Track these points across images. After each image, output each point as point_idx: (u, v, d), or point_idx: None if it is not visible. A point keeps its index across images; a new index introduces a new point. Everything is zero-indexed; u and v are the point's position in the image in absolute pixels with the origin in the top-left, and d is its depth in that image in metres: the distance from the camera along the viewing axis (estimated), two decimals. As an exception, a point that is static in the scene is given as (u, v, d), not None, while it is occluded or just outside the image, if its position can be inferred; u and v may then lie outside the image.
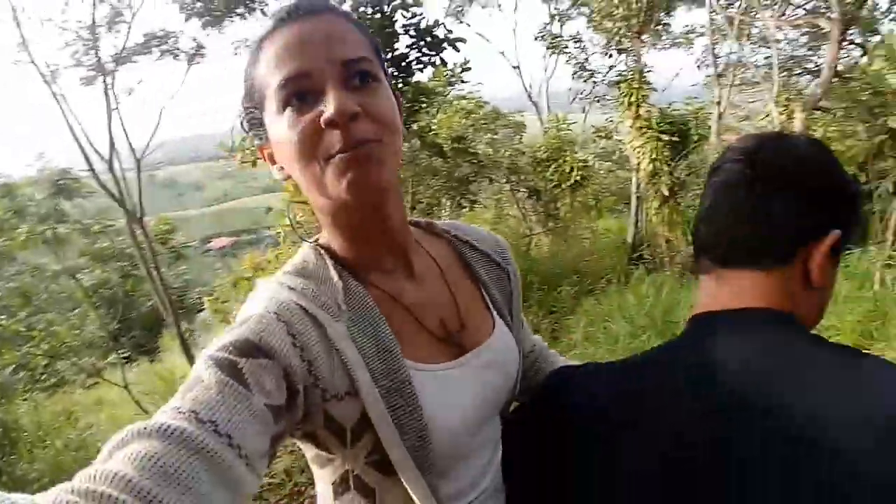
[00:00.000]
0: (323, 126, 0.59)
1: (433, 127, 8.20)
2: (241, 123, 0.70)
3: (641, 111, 7.62)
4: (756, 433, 0.54)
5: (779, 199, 0.60)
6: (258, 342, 0.56)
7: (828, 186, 0.62)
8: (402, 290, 0.70)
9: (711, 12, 8.07)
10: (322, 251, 0.69)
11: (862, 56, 7.18)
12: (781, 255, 0.61)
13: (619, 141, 9.75)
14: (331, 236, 0.70)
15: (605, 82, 9.49)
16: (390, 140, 0.62)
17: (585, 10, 9.68)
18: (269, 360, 0.56)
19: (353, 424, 0.62)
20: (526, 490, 0.73)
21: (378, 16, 5.80)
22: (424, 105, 6.76)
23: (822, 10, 7.17)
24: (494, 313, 0.77)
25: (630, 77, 7.66)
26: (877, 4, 7.31)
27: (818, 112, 6.88)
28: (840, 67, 6.91)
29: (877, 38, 7.28)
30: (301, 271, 0.67)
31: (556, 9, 11.59)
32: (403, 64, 6.04)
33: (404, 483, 0.63)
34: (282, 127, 0.61)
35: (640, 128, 7.63)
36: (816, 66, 7.87)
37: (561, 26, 11.56)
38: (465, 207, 8.95)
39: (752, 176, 0.61)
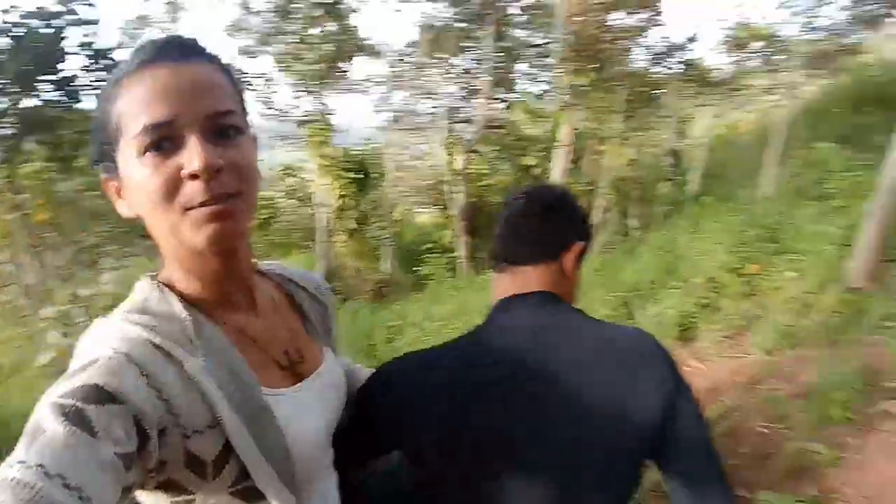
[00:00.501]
0: (185, 177, 0.65)
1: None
2: (91, 155, 0.75)
3: (327, 150, 9.01)
4: (542, 366, 0.94)
5: (547, 221, 1.06)
6: (107, 388, 0.59)
7: (574, 215, 1.10)
8: (249, 324, 0.80)
9: (389, 65, 10.16)
10: (164, 287, 0.74)
11: (505, 109, 10.34)
12: (550, 256, 1.04)
13: (305, 179, 10.90)
14: (176, 274, 0.76)
15: (291, 121, 10.25)
16: (250, 192, 0.71)
17: (272, 48, 10.30)
18: (119, 405, 0.58)
19: (215, 457, 0.68)
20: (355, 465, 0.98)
21: (49, 30, 5.50)
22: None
23: (477, 70, 10.07)
24: (322, 343, 0.92)
25: (316, 118, 8.93)
26: (515, 67, 10.63)
27: (474, 154, 9.63)
28: (489, 117, 9.86)
29: (514, 96, 10.60)
30: (144, 308, 0.70)
31: (242, 46, 12.06)
32: (69, 86, 5.84)
33: None
34: (140, 170, 0.66)
35: (327, 166, 9.00)
36: (471, 115, 10.81)
37: (248, 59, 11.96)
38: (135, 255, 8.30)
39: (531, 208, 1.07)
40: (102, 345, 0.65)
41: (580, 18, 7.52)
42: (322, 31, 8.70)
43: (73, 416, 0.55)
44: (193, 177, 0.65)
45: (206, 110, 0.67)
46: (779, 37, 8.13)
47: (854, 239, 4.61)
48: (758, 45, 8.51)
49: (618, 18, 7.87)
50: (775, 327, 4.27)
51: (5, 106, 5.66)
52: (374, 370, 1.08)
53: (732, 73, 9.12)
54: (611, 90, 8.13)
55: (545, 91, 10.34)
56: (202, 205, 0.66)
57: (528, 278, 1.03)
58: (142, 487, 0.64)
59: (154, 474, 0.64)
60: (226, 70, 0.73)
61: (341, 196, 8.54)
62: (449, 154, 9.08)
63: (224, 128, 0.68)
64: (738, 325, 4.60)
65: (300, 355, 0.85)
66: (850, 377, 3.20)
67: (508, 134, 9.29)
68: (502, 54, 9.96)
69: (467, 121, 10.21)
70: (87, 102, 5.91)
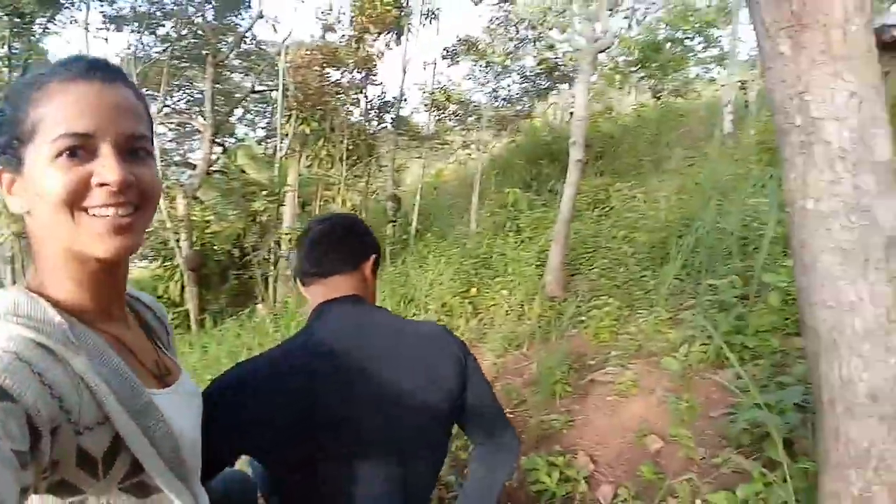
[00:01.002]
0: (94, 185, 0.71)
1: None
2: None
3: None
4: (364, 354, 1.15)
5: (348, 239, 1.31)
6: (1, 385, 0.60)
7: (367, 232, 1.36)
8: (123, 334, 0.84)
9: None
10: (33, 295, 0.73)
11: (223, 153, 9.94)
12: (353, 266, 1.28)
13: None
14: (49, 279, 0.77)
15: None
16: (149, 210, 0.78)
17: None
18: (12, 403, 0.59)
19: (104, 453, 0.69)
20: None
21: None
22: None
23: (198, 111, 9.47)
24: (172, 359, 0.98)
25: None
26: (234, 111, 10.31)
27: (195, 200, 8.99)
28: (210, 162, 9.34)
29: (232, 140, 10.29)
30: (16, 312, 0.70)
31: None
32: None
33: (170, 497, 0.76)
34: (51, 172, 0.70)
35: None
36: (183, 158, 10.09)
37: None
38: None
39: (334, 229, 1.32)
40: None
41: (302, 70, 7.94)
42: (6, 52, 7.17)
43: None
44: (103, 185, 0.71)
45: (124, 130, 0.73)
46: (469, 102, 9.92)
47: (544, 261, 5.87)
48: (453, 107, 10.20)
49: (338, 75, 8.55)
50: (501, 335, 5.12)
51: None
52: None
53: (435, 129, 10.69)
54: (333, 140, 8.68)
55: (267, 137, 10.37)
56: (105, 207, 0.71)
57: (338, 286, 1.26)
58: (35, 491, 0.65)
59: (46, 475, 0.64)
60: (142, 98, 0.80)
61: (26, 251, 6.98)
62: (168, 199, 8.27)
63: (136, 149, 0.76)
64: (471, 339, 5.35)
65: (165, 366, 0.91)
66: (563, 361, 4.09)
67: (234, 179, 8.98)
68: (221, 98, 9.66)
69: (185, 164, 9.54)
70: None
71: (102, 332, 0.78)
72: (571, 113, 7.84)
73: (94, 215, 0.71)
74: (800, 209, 1.52)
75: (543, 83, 9.47)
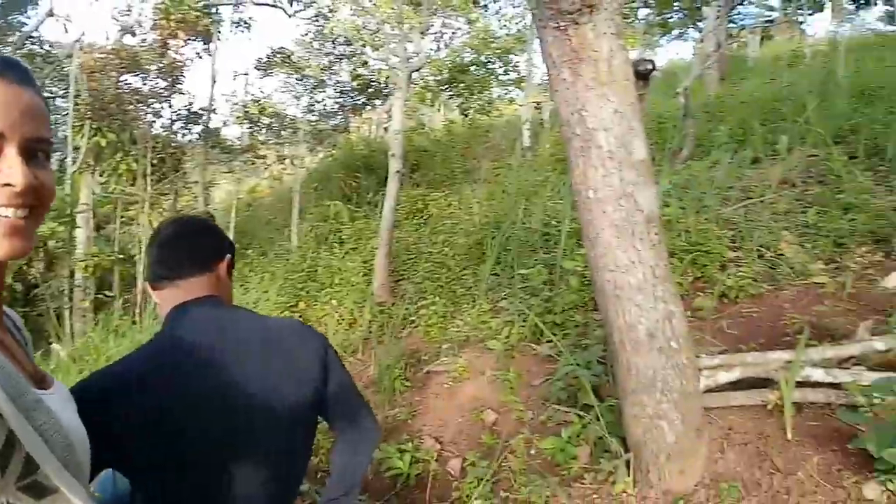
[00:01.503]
0: None
1: None
2: None
3: None
4: (227, 352, 1.19)
5: (201, 240, 1.33)
6: None
7: (219, 233, 1.39)
8: (3, 337, 0.84)
9: None
10: None
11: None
12: (208, 267, 1.29)
13: None
14: None
15: None
16: (43, 214, 0.79)
17: None
18: None
19: (0, 451, 0.68)
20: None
21: None
22: None
23: None
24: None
25: None
26: None
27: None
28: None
29: None
30: None
31: None
32: None
33: (67, 494, 0.74)
34: None
35: None
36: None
37: None
38: None
39: (184, 231, 1.34)
40: None
41: (97, 75, 7.18)
42: None
43: None
44: (6, 185, 0.72)
45: (31, 133, 0.74)
46: (284, 115, 9.85)
47: (370, 269, 6.17)
48: (267, 120, 10.04)
49: (139, 82, 7.89)
50: (335, 344, 5.29)
51: None
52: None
53: (248, 143, 10.39)
54: (134, 153, 7.99)
55: (54, 150, 9.04)
56: (6, 206, 0.72)
57: (194, 287, 1.26)
58: None
59: None
60: (45, 100, 0.82)
61: None
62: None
63: (38, 152, 0.77)
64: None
65: (39, 372, 0.91)
66: (399, 359, 4.42)
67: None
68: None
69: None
70: None
71: None
72: (386, 128, 8.31)
73: None
74: (584, 198, 2.04)
75: (359, 98, 9.83)
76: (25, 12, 9.09)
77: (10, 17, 8.83)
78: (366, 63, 9.34)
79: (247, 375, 1.17)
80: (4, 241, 0.73)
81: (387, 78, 8.79)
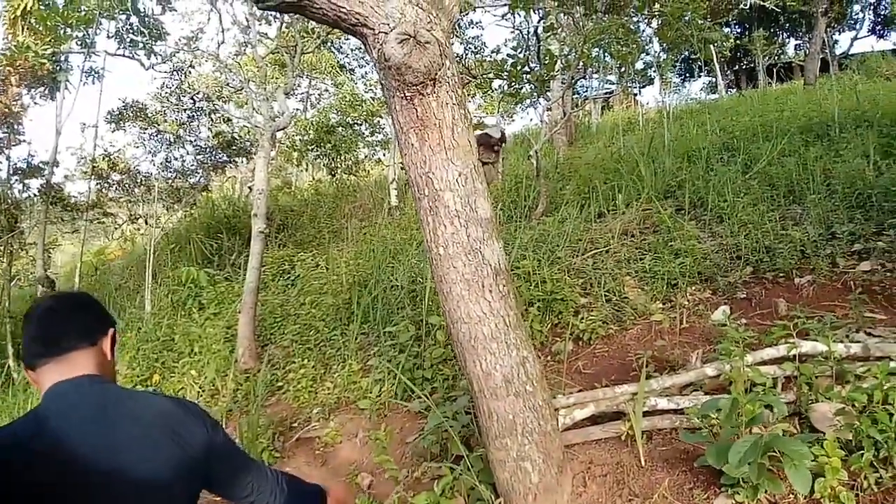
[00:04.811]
0: None
1: None
2: None
3: None
4: (100, 438, 1.12)
5: (80, 314, 1.28)
6: None
7: (98, 306, 1.34)
8: None
9: None
10: None
11: None
12: (90, 342, 1.24)
13: None
14: None
15: None
16: None
17: None
18: None
19: None
20: None
21: None
22: None
23: None
24: None
25: None
26: None
27: None
28: None
29: None
30: None
31: None
32: None
33: None
34: None
35: None
36: None
37: None
38: None
39: (61, 305, 1.28)
40: None
41: None
42: None
43: None
44: None
45: None
46: (137, 171, 9.25)
47: (234, 334, 5.86)
48: (118, 176, 9.35)
49: None
50: (195, 417, 4.89)
51: None
52: None
53: (95, 201, 9.55)
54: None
55: None
56: None
57: (74, 365, 1.20)
58: None
59: None
60: None
61: None
62: None
63: None
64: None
65: None
66: (267, 428, 4.18)
67: None
68: None
69: None
70: None
71: None
72: (251, 187, 8.11)
73: None
74: (435, 254, 2.16)
75: (220, 156, 9.51)
76: None
77: None
78: (228, 120, 9.13)
79: (121, 461, 1.12)
80: None
81: (249, 135, 8.66)
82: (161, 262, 8.86)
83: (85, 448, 1.10)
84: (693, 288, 4.60)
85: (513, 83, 7.34)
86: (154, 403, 1.26)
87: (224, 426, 4.76)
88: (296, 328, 5.90)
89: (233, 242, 8.73)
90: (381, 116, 10.16)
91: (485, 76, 8.35)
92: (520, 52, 8.44)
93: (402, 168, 10.99)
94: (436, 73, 1.96)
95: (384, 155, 11.71)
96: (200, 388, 5.40)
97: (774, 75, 19.39)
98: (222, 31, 8.47)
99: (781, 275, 4.52)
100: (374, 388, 4.15)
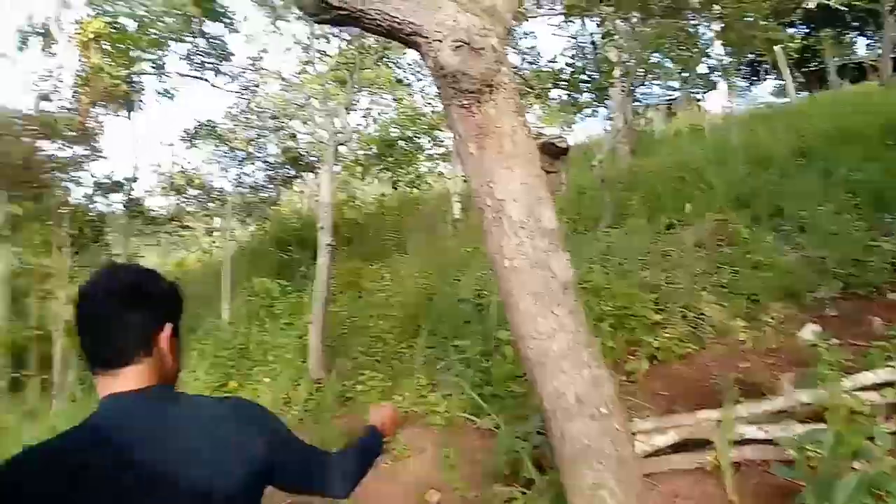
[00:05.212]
0: None
1: None
2: None
3: None
4: (146, 451, 1.05)
5: (127, 315, 1.10)
6: None
7: (156, 293, 1.16)
8: None
9: None
10: None
11: None
12: (141, 352, 1.11)
13: None
14: None
15: None
16: None
17: None
18: None
19: None
20: None
21: None
22: None
23: None
24: None
25: None
26: None
27: None
28: None
29: None
30: None
31: None
32: None
33: None
34: None
35: None
36: None
37: None
38: None
39: (106, 304, 1.11)
40: None
41: (9, 140, 6.91)
42: None
43: None
44: None
45: None
46: (212, 187, 9.69)
47: (305, 345, 5.98)
48: (195, 192, 9.81)
49: (54, 148, 7.61)
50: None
51: None
52: None
53: (173, 214, 10.07)
54: (51, 223, 7.59)
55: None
56: None
57: (126, 378, 1.10)
58: None
59: None
60: None
61: None
62: None
63: None
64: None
65: None
66: (337, 439, 4.21)
67: None
68: None
69: None
70: None
71: None
72: (317, 201, 8.33)
73: None
74: (500, 267, 2.08)
75: (288, 171, 9.83)
76: None
77: None
78: (294, 136, 9.42)
79: (178, 476, 1.05)
80: None
81: (315, 150, 8.89)
82: (237, 273, 9.20)
83: (138, 463, 1.04)
84: (777, 304, 4.30)
85: (571, 92, 7.22)
86: (209, 408, 1.18)
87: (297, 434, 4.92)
88: (364, 340, 5.96)
89: (303, 255, 8.95)
90: (441, 129, 10.21)
91: (542, 87, 8.24)
92: (577, 61, 8.28)
93: (464, 180, 11.01)
94: (492, 80, 1.91)
95: (446, 167, 11.74)
96: (274, 396, 5.53)
97: (846, 76, 18.15)
98: (285, 51, 8.77)
99: (873, 290, 4.17)
100: (443, 403, 4.10)
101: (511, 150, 1.99)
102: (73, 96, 7.38)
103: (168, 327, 1.14)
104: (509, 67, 2.05)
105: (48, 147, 7.48)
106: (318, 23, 2.09)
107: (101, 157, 8.18)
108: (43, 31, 7.16)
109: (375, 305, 6.83)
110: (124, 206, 8.75)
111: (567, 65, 7.99)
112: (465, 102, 1.94)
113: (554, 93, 8.17)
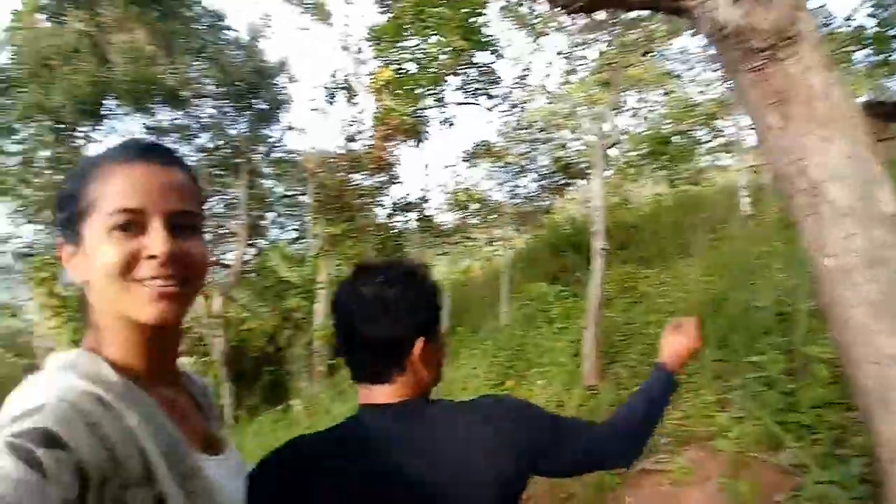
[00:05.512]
0: (144, 257, 0.77)
1: None
2: (54, 221, 0.87)
3: (56, 288, 7.85)
4: (410, 461, 1.02)
5: (382, 330, 1.06)
6: (56, 434, 0.62)
7: (417, 305, 1.09)
8: (175, 399, 0.87)
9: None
10: (92, 354, 0.79)
11: (256, 255, 10.47)
12: (398, 369, 1.07)
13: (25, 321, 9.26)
14: (105, 342, 0.81)
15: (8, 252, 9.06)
16: (195, 282, 0.83)
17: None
18: (64, 452, 0.62)
19: None
20: None
21: None
22: None
23: (232, 215, 10.16)
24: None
25: (41, 251, 7.89)
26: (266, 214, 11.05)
27: (230, 299, 9.37)
28: (243, 262, 9.84)
29: (264, 242, 10.90)
30: (78, 365, 0.76)
31: None
32: None
33: None
34: (106, 244, 0.77)
35: (55, 307, 7.79)
36: (218, 258, 10.63)
37: None
38: None
39: (363, 319, 1.07)
40: (45, 393, 0.68)
41: (328, 176, 8.64)
42: (50, 155, 7.96)
43: (26, 456, 0.59)
44: (152, 258, 0.77)
45: (173, 207, 0.80)
46: (490, 200, 10.37)
47: (579, 350, 5.87)
48: (475, 206, 10.65)
49: (361, 178, 9.19)
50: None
51: None
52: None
53: (458, 227, 11.08)
54: (360, 239, 9.11)
55: (297, 238, 10.95)
56: (153, 279, 0.77)
57: (381, 394, 1.08)
58: None
59: None
60: (194, 178, 0.88)
61: (72, 342, 7.23)
62: (204, 298, 8.68)
63: (183, 225, 0.81)
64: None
65: (213, 436, 0.92)
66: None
67: (265, 278, 9.44)
68: (253, 202, 10.37)
69: (219, 264, 10.08)
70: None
71: (154, 394, 0.81)
72: (589, 206, 8.21)
73: (142, 284, 0.77)
74: (820, 267, 1.59)
75: (560, 179, 9.92)
76: (269, 125, 11.36)
77: (258, 131, 11.05)
78: (563, 145, 9.45)
79: (436, 492, 1.01)
80: (152, 307, 0.77)
81: (585, 156, 8.77)
82: (514, 278, 9.64)
83: (385, 475, 1.01)
84: None
85: (881, 50, 5.65)
86: (461, 414, 1.10)
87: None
88: (641, 348, 5.60)
89: (577, 260, 8.93)
90: (720, 118, 9.07)
91: (842, 49, 6.64)
92: (882, 12, 6.42)
93: (754, 172, 9.57)
94: (789, 30, 1.48)
95: (729, 159, 10.40)
96: (547, 398, 5.57)
97: None
98: (547, 65, 8.94)
99: None
100: (734, 427, 3.55)
101: (826, 114, 1.51)
102: (371, 135, 8.79)
103: (420, 343, 1.07)
104: (808, 11, 1.60)
105: (356, 178, 9.05)
106: (571, 13, 1.93)
107: (397, 182, 9.56)
108: (345, 85, 8.72)
109: (654, 311, 6.37)
110: (417, 223, 9.99)
111: (869, 16, 6.30)
112: (757, 64, 1.54)
113: (858, 55, 6.56)
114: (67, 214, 0.81)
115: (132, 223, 0.77)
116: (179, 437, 0.77)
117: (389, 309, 1.06)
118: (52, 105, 8.64)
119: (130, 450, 0.69)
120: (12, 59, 9.14)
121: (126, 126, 10.18)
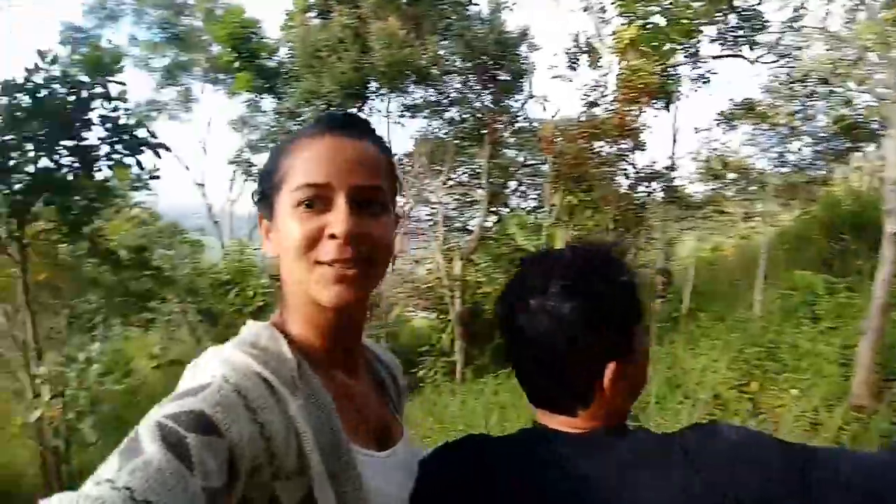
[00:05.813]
0: (326, 236, 0.74)
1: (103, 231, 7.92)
2: (253, 195, 0.87)
3: None
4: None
5: (567, 360, 0.83)
6: (212, 418, 0.61)
7: (612, 321, 0.85)
8: (347, 383, 0.83)
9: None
10: (275, 330, 0.78)
11: (497, 222, 11.01)
12: (581, 404, 0.85)
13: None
14: (290, 318, 0.81)
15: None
16: (378, 263, 0.78)
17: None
18: (219, 438, 0.60)
19: None
20: None
21: (72, 98, 5.88)
22: (101, 206, 6.74)
23: (476, 184, 10.85)
24: (399, 421, 0.94)
25: None
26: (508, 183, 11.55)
27: (470, 262, 10.02)
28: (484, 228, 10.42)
29: (506, 210, 11.40)
30: (255, 344, 0.74)
31: (250, 138, 13.28)
32: (87, 155, 6.17)
33: None
34: (291, 220, 0.75)
35: None
36: (463, 224, 11.44)
37: (253, 154, 13.17)
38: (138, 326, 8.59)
39: (541, 348, 0.85)
40: (213, 371, 0.68)
41: (567, 144, 8.42)
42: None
43: (174, 443, 0.57)
44: (333, 237, 0.73)
45: (358, 182, 0.75)
46: (751, 169, 9.00)
47: (851, 358, 4.87)
48: (732, 175, 9.37)
49: (603, 146, 8.74)
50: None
51: (16, 162, 5.73)
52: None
53: (710, 199, 9.92)
54: (599, 210, 8.77)
55: (536, 207, 11.11)
56: (333, 262, 0.73)
57: (562, 423, 0.88)
58: None
59: None
60: (388, 153, 0.83)
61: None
62: (447, 261, 9.47)
63: (369, 201, 0.76)
64: (747, 444, 4.68)
65: (387, 426, 0.89)
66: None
67: (503, 245, 9.82)
68: (496, 171, 10.80)
69: (463, 229, 10.83)
70: (102, 172, 6.28)
71: (329, 377, 0.79)
72: (881, 178, 6.57)
73: (324, 265, 0.74)
74: None
75: (841, 144, 8.09)
76: (512, 96, 11.60)
77: (502, 102, 11.36)
78: (848, 101, 7.65)
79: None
80: (330, 289, 0.74)
81: (876, 114, 6.98)
82: (774, 262, 8.37)
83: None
84: None
85: None
86: (655, 451, 0.82)
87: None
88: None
89: (860, 245, 7.34)
90: None
91: None
92: None
93: None
94: None
95: None
96: (800, 413, 4.78)
97: None
98: (827, 2, 7.11)
99: None
100: None
101: None
102: (613, 99, 8.27)
103: (612, 367, 0.83)
104: None
105: (596, 145, 8.61)
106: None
107: (642, 149, 8.85)
108: (587, 48, 8.27)
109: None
110: (663, 193, 9.20)
111: None
112: None
113: None
114: (263, 188, 0.82)
115: (318, 198, 0.74)
116: (340, 431, 0.73)
117: (566, 329, 0.82)
118: (324, 90, 10.30)
119: (287, 440, 0.67)
120: (289, 53, 11.15)
121: (385, 105, 11.51)
